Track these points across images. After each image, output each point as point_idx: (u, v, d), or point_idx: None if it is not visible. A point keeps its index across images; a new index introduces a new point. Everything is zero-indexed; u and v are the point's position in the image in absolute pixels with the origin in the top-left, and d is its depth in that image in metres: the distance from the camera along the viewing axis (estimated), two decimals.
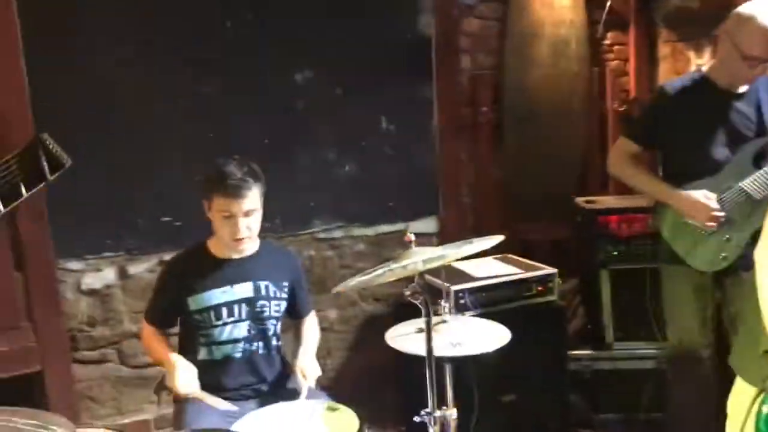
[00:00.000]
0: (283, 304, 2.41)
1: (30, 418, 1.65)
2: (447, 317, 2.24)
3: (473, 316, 2.85)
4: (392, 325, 2.33)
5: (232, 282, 2.31)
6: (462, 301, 2.94)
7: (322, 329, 3.30)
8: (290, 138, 3.12)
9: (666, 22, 3.66)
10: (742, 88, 2.53)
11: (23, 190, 1.02)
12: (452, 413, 2.10)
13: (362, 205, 3.32)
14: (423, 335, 2.02)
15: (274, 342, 2.42)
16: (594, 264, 3.36)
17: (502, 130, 3.63)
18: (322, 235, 3.24)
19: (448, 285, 2.98)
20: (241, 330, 2.33)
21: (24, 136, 2.55)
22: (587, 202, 3.48)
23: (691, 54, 3.54)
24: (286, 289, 2.41)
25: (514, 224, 3.59)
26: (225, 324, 2.31)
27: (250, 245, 2.34)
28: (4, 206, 1.03)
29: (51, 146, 1.06)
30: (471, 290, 2.97)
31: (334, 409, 2.12)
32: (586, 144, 3.79)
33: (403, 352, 2.12)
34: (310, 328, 2.51)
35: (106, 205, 2.78)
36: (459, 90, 3.48)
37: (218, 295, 2.30)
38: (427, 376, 1.90)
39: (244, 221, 2.22)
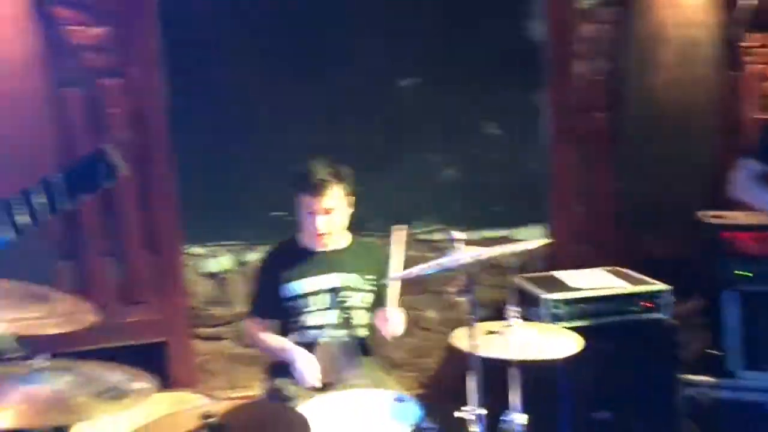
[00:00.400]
0: (369, 296, 2.55)
1: (119, 372, 1.93)
2: (514, 322, 2.26)
3: (566, 327, 2.81)
4: None
5: (319, 273, 2.50)
6: (555, 311, 2.91)
7: (423, 329, 3.42)
8: (395, 141, 3.26)
9: None
10: None
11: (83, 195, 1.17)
12: (518, 418, 2.12)
13: (465, 209, 3.38)
14: (492, 337, 2.07)
15: (359, 332, 2.57)
16: (719, 284, 3.15)
17: (620, 138, 3.51)
18: (422, 237, 3.34)
19: (540, 293, 2.96)
20: (327, 317, 2.51)
21: (160, 135, 2.97)
22: (714, 216, 3.26)
23: None
24: (372, 282, 2.55)
25: (631, 237, 3.46)
26: (312, 311, 2.50)
27: (334, 240, 2.51)
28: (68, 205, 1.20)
29: (112, 157, 1.21)
30: (566, 300, 2.93)
31: (401, 401, 2.23)
32: (716, 154, 3.54)
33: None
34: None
35: (227, 199, 3.10)
36: (572, 96, 3.42)
37: (306, 285, 2.50)
38: (471, 373, 1.94)
39: (323, 218, 2.40)
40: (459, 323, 3.44)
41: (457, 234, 1.98)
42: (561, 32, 3.36)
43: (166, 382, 2.78)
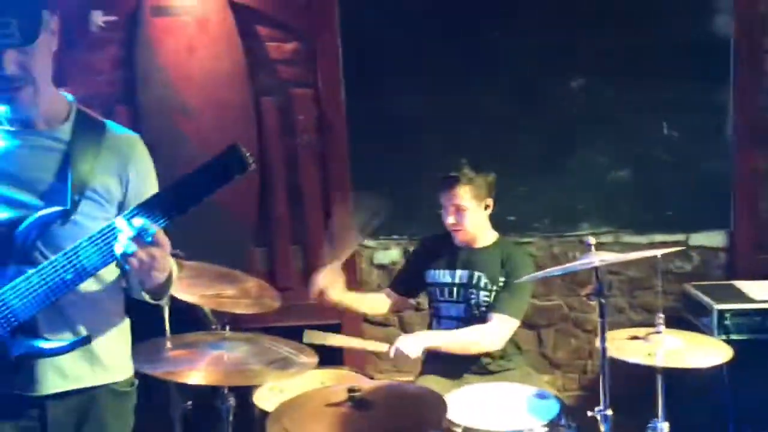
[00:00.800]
0: (493, 296, 2.63)
1: (288, 346, 2.24)
2: (661, 329, 2.21)
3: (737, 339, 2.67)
4: None
5: (455, 267, 2.66)
6: (725, 321, 2.76)
7: (585, 331, 3.40)
8: (563, 143, 3.27)
9: None
10: None
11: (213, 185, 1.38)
12: (662, 426, 2.10)
13: (635, 212, 3.29)
14: (636, 343, 2.08)
15: None
16: None
17: None
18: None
19: (712, 303, 2.83)
20: (458, 310, 2.66)
21: (340, 138, 3.29)
22: None
23: None
24: (499, 284, 2.62)
25: None
26: (446, 302, 2.67)
27: (472, 237, 2.64)
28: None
29: (243, 155, 1.40)
30: (737, 312, 2.77)
31: (542, 397, 2.30)
32: None
33: None
34: (478, 327, 2.55)
35: (397, 197, 3.33)
36: (761, 94, 3.17)
37: (444, 275, 2.68)
38: (601, 375, 1.97)
39: (453, 214, 2.56)
40: (620, 327, 3.41)
41: (590, 239, 2.01)
42: (750, 27, 3.12)
43: (339, 360, 3.10)
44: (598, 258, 1.92)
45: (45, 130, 1.54)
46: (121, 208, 1.59)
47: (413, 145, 3.30)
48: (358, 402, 1.92)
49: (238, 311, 2.48)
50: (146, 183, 1.66)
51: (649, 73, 3.18)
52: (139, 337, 2.41)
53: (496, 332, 2.52)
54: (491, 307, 2.57)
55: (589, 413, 2.01)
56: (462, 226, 2.61)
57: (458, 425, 2.11)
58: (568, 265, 1.96)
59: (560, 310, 3.40)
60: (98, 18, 3.24)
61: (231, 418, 2.31)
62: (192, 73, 3.26)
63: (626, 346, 2.16)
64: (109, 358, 1.62)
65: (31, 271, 1.43)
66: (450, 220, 2.60)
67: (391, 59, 3.28)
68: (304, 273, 3.35)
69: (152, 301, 1.60)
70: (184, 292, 2.36)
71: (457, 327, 2.62)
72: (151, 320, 2.52)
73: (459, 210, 2.58)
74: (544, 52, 3.23)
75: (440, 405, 1.95)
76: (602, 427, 1.97)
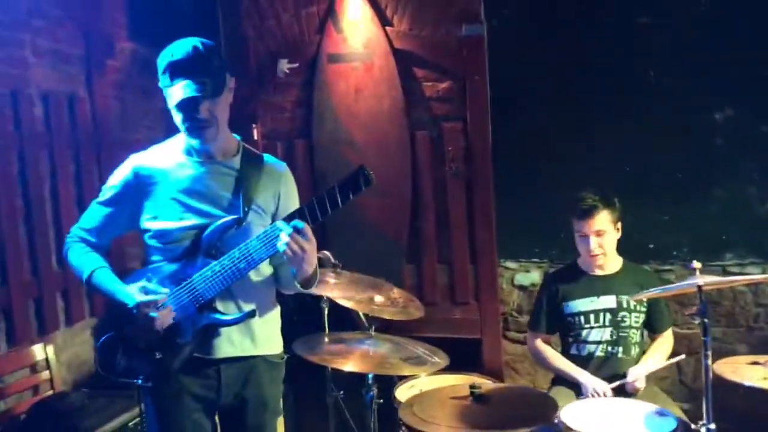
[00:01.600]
0: (642, 317, 2.78)
1: (424, 348, 2.58)
2: None
3: None
4: None
5: (598, 294, 2.82)
6: None
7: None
8: (707, 172, 3.32)
9: None
10: None
11: (339, 200, 1.84)
12: None
13: None
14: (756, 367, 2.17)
15: (634, 350, 2.82)
16: None
17: None
18: (734, 269, 3.31)
19: None
20: (604, 334, 2.81)
21: (485, 167, 3.59)
22: None
23: None
24: (645, 304, 2.77)
25: None
26: (591, 328, 2.83)
27: (607, 262, 2.80)
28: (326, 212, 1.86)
29: (368, 173, 1.83)
30: None
31: (662, 415, 2.43)
32: None
33: None
34: (661, 344, 2.79)
35: (538, 222, 3.58)
36: None
37: (586, 304, 2.84)
38: (704, 389, 2.08)
39: (595, 240, 2.71)
40: None
41: (695, 263, 2.15)
42: None
43: (480, 372, 3.37)
44: (702, 280, 2.05)
45: (222, 160, 2.06)
46: (273, 218, 2.08)
47: (551, 177, 3.53)
48: (477, 397, 2.21)
49: (385, 317, 2.87)
50: (292, 199, 2.16)
51: None
52: (304, 332, 2.91)
53: (671, 345, 2.81)
54: (660, 325, 2.85)
55: (693, 426, 2.13)
56: (604, 251, 2.79)
57: (573, 430, 2.32)
58: (670, 285, 2.11)
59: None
60: (284, 65, 3.86)
61: (374, 407, 2.68)
62: (358, 111, 3.76)
63: (743, 369, 2.24)
64: (264, 335, 2.10)
65: (214, 263, 1.94)
66: (593, 245, 2.76)
67: (536, 95, 3.56)
68: (448, 289, 3.69)
69: (302, 290, 2.05)
70: (340, 297, 2.80)
71: (604, 349, 2.82)
72: (313, 319, 3.00)
73: (599, 235, 2.76)
74: (686, 82, 3.31)
75: (551, 405, 2.19)
76: None
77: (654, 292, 2.39)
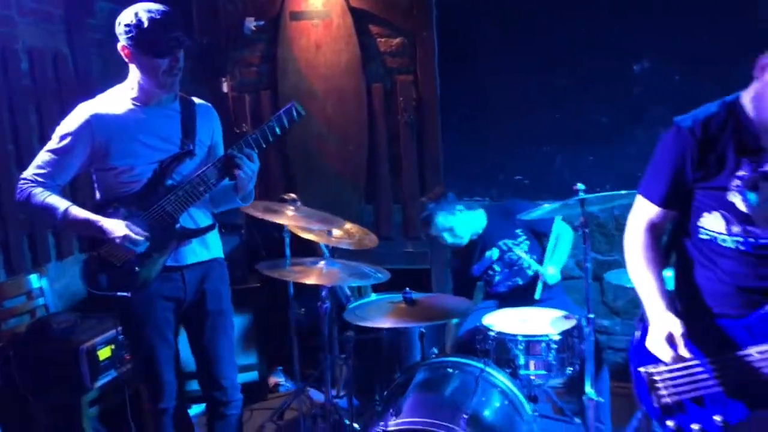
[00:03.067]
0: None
1: (370, 267, 3.00)
2: None
3: None
4: None
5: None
6: None
7: None
8: (627, 117, 3.72)
9: None
10: None
11: (277, 130, 2.27)
12: None
13: None
14: None
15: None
16: None
17: None
18: None
19: None
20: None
21: (434, 116, 3.98)
22: None
23: None
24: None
25: None
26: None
27: None
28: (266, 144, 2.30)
29: (299, 108, 2.27)
30: None
31: (568, 318, 2.89)
32: None
33: None
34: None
35: (479, 164, 4.00)
36: None
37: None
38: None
39: None
40: None
41: (579, 185, 2.59)
42: None
43: None
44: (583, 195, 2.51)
45: (165, 105, 2.44)
46: (209, 150, 2.53)
47: (496, 122, 3.94)
48: (408, 300, 2.66)
49: (343, 247, 3.28)
50: (219, 134, 2.62)
51: (707, 58, 3.54)
52: (269, 258, 3.31)
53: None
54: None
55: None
56: None
57: (492, 330, 2.79)
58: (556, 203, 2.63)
59: None
60: (251, 23, 4.19)
61: (327, 319, 3.11)
62: (318, 65, 4.13)
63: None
64: (214, 243, 2.59)
65: (177, 188, 2.35)
66: None
67: (479, 50, 3.94)
68: (402, 226, 4.13)
69: (242, 205, 2.54)
70: (301, 230, 3.20)
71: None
72: (277, 248, 3.41)
73: None
74: (610, 39, 3.71)
75: (468, 305, 2.65)
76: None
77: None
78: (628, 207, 2.06)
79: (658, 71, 3.66)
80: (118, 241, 2.30)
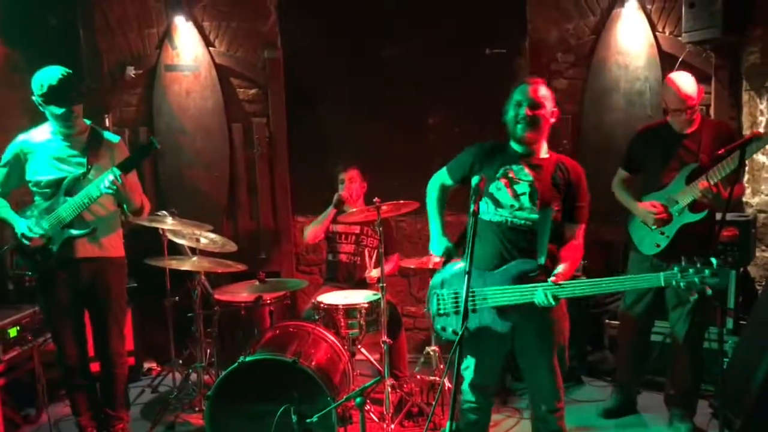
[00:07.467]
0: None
1: (227, 261, 4.02)
2: None
3: None
4: None
5: None
6: None
7: None
8: (424, 156, 5.03)
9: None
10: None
11: (139, 158, 3.49)
12: None
13: None
14: None
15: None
16: None
17: None
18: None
19: None
20: None
21: (283, 150, 5.08)
22: None
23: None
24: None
25: None
26: None
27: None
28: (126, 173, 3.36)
29: (155, 141, 3.25)
30: None
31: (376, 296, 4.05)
32: None
33: None
34: None
35: (321, 188, 5.09)
36: None
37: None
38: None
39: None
40: None
41: (376, 200, 3.81)
42: None
43: None
44: (383, 206, 3.72)
45: (76, 137, 3.37)
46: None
47: (331, 153, 5.08)
48: (260, 280, 3.71)
49: (209, 250, 4.25)
50: (122, 159, 3.43)
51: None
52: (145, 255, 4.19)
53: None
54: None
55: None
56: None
57: (323, 303, 3.88)
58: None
59: None
60: (131, 71, 5.08)
61: (197, 303, 4.06)
62: (188, 108, 5.10)
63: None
64: (108, 244, 3.49)
65: (71, 199, 3.27)
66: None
67: (319, 98, 5.12)
68: (257, 239, 5.16)
69: (135, 219, 3.57)
70: (174, 235, 4.15)
71: None
72: (155, 249, 4.31)
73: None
74: (415, 99, 5.02)
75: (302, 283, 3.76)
76: None
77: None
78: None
79: (445, 126, 5.03)
80: (19, 237, 3.30)
